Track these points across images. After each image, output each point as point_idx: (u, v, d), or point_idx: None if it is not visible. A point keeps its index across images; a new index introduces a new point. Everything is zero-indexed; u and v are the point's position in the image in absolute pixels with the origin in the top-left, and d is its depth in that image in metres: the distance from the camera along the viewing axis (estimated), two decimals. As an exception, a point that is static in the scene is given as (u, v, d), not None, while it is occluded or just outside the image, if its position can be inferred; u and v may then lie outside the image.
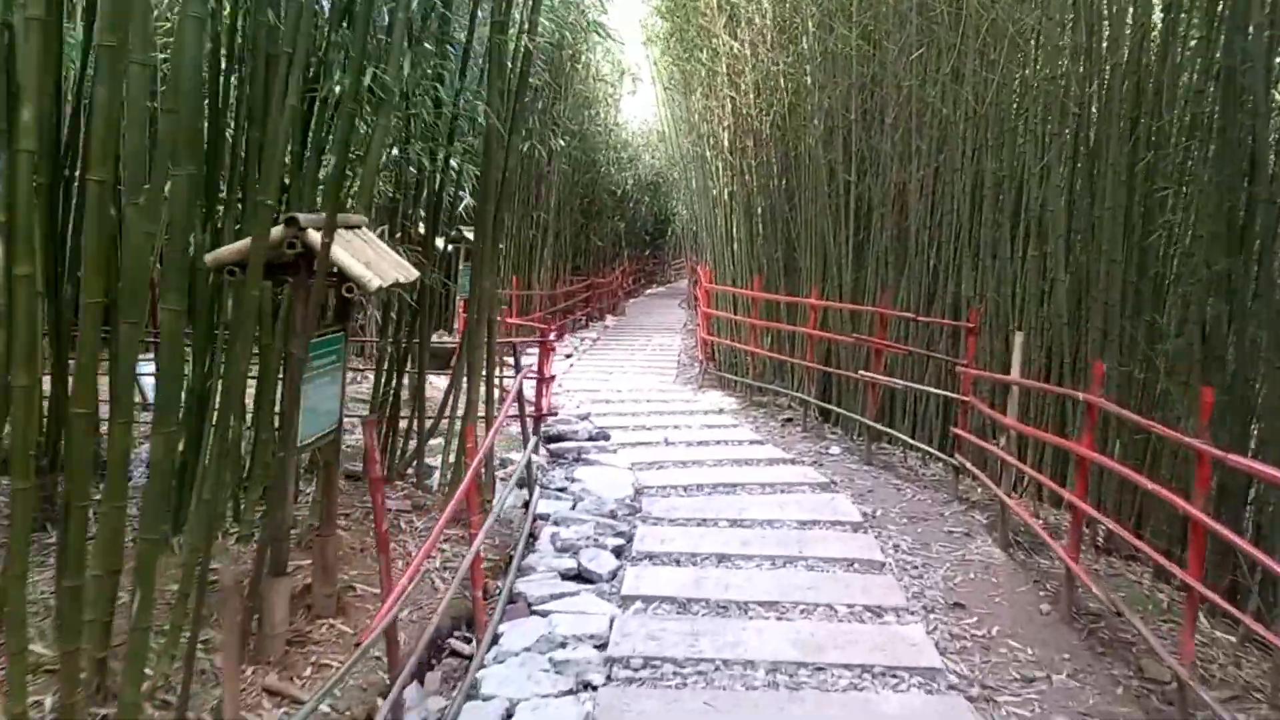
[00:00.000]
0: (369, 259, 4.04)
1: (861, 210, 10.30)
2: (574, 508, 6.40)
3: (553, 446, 8.29)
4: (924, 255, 9.05)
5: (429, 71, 6.10)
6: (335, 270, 3.89)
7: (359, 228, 4.32)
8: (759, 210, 12.57)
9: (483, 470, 6.58)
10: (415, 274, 4.51)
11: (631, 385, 12.40)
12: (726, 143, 12.78)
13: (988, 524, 6.74)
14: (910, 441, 8.26)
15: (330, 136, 5.25)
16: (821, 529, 6.24)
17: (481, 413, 6.71)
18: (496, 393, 7.49)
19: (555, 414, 9.78)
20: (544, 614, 4.71)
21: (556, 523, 6.00)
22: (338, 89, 5.06)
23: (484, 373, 6.50)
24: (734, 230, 12.94)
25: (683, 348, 17.32)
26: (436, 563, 5.43)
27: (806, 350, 10.13)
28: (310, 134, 5.25)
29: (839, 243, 10.37)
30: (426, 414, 6.88)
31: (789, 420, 10.38)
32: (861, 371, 8.84)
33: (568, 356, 15.28)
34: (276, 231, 3.66)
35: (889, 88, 9.71)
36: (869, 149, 10.04)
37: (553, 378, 10.13)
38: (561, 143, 16.01)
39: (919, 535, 6.42)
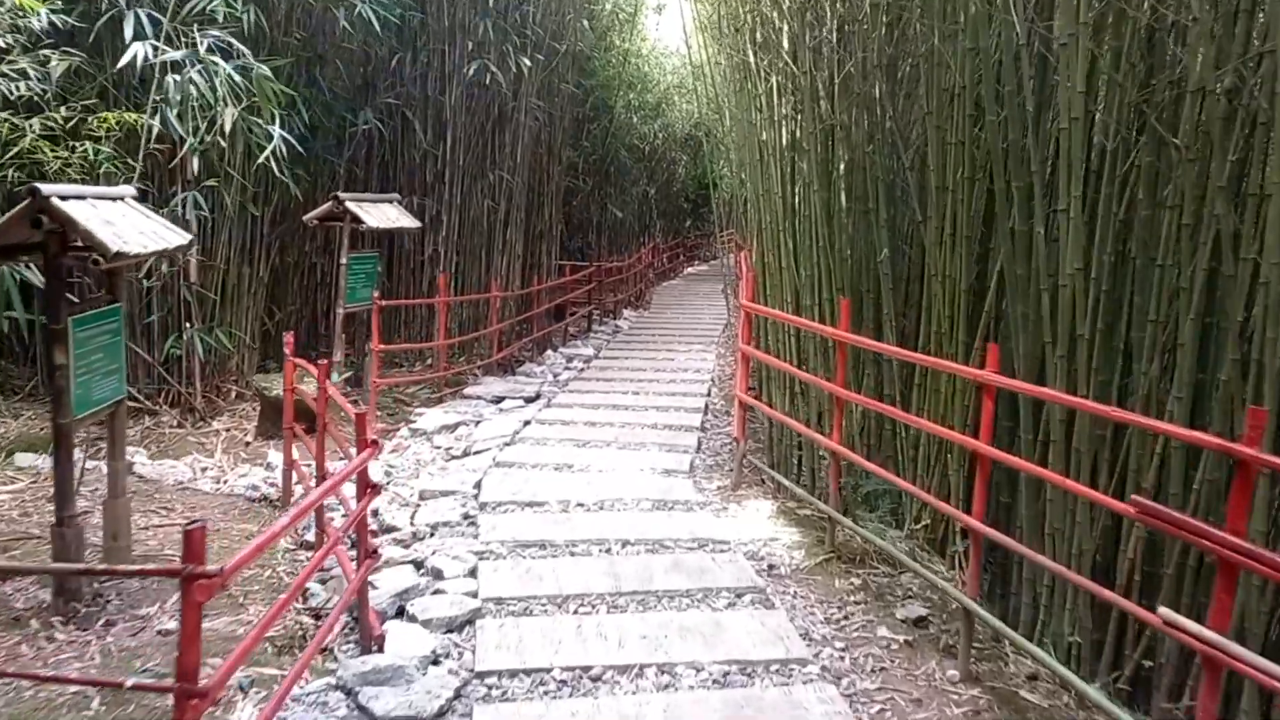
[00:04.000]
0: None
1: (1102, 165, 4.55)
2: None
3: None
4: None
5: None
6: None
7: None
8: (839, 168, 6.87)
9: None
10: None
11: (609, 485, 6.82)
12: (786, 43, 7.06)
13: None
14: None
15: None
16: None
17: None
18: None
19: (377, 643, 4.25)
20: None
21: None
22: None
23: None
24: (794, 204, 7.24)
25: (719, 375, 11.67)
26: None
27: (958, 473, 4.46)
28: None
29: (1040, 230, 4.64)
30: None
31: (918, 627, 4.74)
32: (1167, 613, 3.13)
33: (529, 401, 9.72)
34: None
35: None
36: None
37: (373, 557, 4.51)
38: (528, 62, 10.36)
39: None
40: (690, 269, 30.29)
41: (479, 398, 9.62)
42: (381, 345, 8.00)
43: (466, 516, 6.09)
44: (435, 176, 10.97)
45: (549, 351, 12.66)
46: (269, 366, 9.28)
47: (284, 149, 6.86)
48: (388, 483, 6.90)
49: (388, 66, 10.37)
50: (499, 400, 9.56)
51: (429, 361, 10.75)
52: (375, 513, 6.01)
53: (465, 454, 7.84)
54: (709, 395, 10.37)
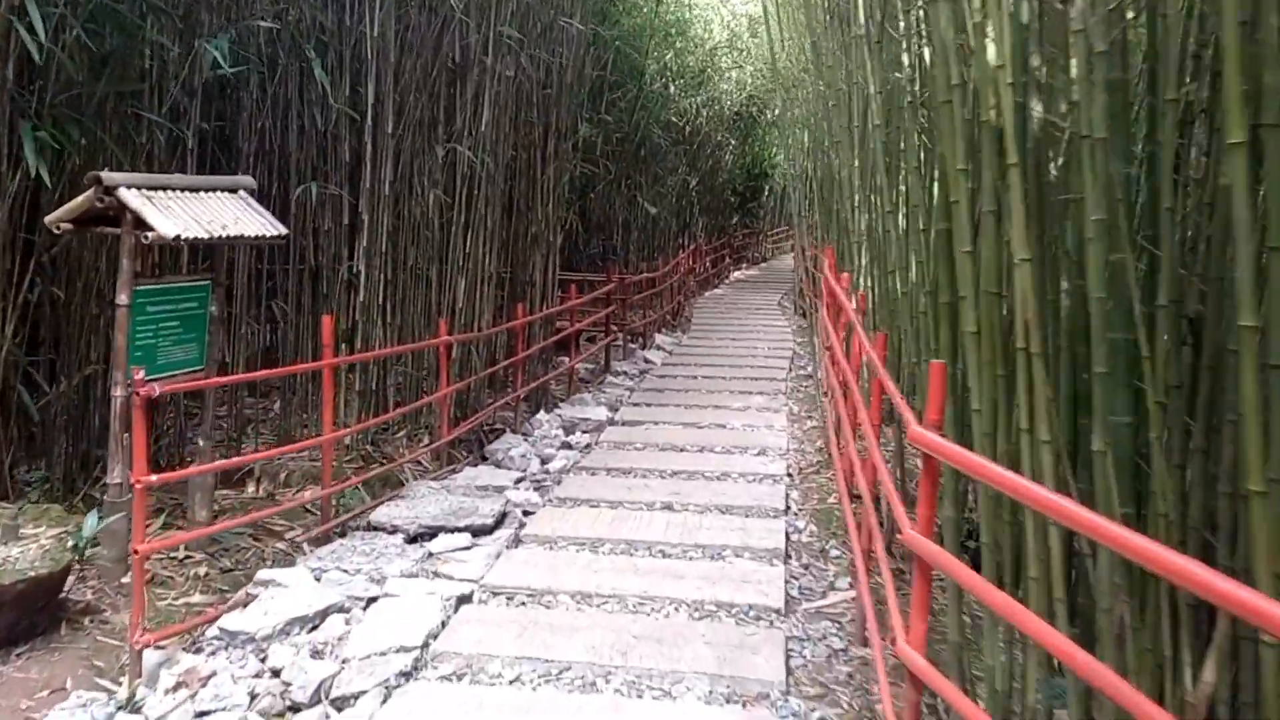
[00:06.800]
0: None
1: None
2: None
3: None
4: None
5: None
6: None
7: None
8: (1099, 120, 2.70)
9: None
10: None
11: None
12: None
13: None
14: None
15: None
16: None
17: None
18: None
19: None
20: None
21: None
22: None
23: None
24: (985, 212, 3.13)
25: (798, 460, 7.59)
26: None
27: None
28: None
29: None
30: None
31: None
32: None
33: (481, 534, 5.67)
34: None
35: None
36: None
37: None
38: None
39: None
40: (738, 273, 26.20)
41: (396, 530, 5.62)
42: (152, 476, 4.01)
43: None
44: (352, 153, 6.99)
45: (541, 414, 8.63)
46: (25, 481, 5.35)
47: None
48: None
49: (265, -27, 6.42)
50: (428, 536, 5.54)
51: (344, 449, 6.80)
52: None
53: (319, 699, 3.87)
54: (787, 509, 6.30)
